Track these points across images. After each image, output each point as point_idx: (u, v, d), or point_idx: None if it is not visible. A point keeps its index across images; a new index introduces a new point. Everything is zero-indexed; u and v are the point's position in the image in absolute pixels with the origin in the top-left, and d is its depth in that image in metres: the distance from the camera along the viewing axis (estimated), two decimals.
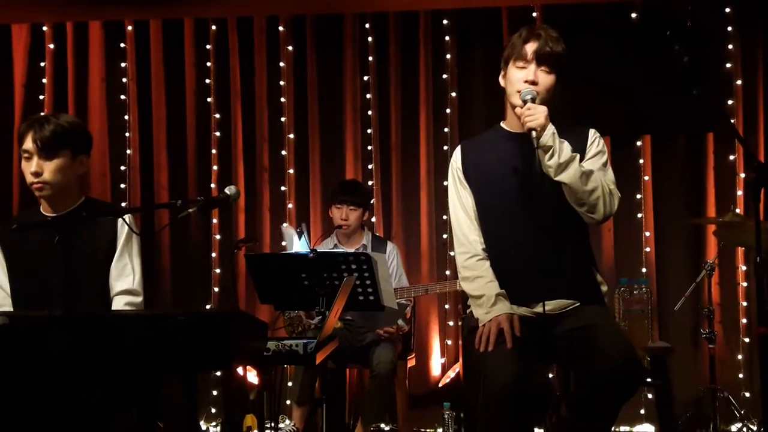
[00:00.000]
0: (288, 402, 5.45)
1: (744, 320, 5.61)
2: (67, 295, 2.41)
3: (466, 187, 3.26)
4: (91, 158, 3.35)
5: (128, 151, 6.09)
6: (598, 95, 5.60)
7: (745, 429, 5.03)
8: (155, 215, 5.95)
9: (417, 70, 5.99)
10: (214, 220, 6.01)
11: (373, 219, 5.88)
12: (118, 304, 3.17)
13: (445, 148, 5.91)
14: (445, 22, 5.96)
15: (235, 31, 6.07)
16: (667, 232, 5.81)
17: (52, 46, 6.15)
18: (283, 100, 6.04)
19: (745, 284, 5.62)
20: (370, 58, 6.01)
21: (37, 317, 2.67)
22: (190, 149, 6.07)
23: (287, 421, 5.49)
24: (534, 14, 5.84)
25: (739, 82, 5.72)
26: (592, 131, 3.21)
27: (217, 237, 6.01)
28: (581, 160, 3.08)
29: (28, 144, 3.12)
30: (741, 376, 5.57)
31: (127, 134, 6.09)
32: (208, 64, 6.09)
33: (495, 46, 3.24)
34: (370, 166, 5.98)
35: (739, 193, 5.66)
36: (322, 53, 6.07)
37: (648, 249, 5.76)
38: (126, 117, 6.11)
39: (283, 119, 6.04)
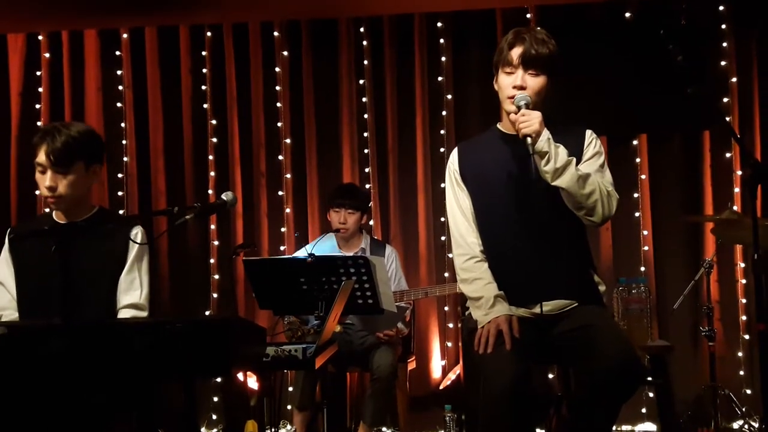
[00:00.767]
0: (289, 407, 5.45)
1: (743, 317, 5.62)
2: (66, 303, 2.41)
3: (464, 189, 3.26)
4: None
5: (125, 159, 6.09)
6: (594, 95, 5.61)
7: (746, 426, 5.03)
8: (153, 222, 5.95)
9: (412, 73, 5.99)
10: (212, 226, 6.01)
11: (372, 222, 5.89)
12: (123, 316, 3.17)
13: (442, 150, 5.91)
14: (439, 24, 5.97)
15: (231, 37, 6.08)
16: (665, 231, 5.81)
17: (47, 54, 6.15)
18: (279, 105, 6.05)
19: (743, 281, 5.63)
20: (366, 62, 6.02)
21: (35, 326, 2.68)
22: (187, 155, 6.07)
23: (288, 427, 5.50)
24: (528, 15, 5.85)
25: (734, 79, 5.74)
26: (588, 132, 3.21)
27: (215, 243, 6.01)
28: (578, 161, 3.08)
29: (41, 157, 3.11)
30: (741, 373, 5.57)
31: (123, 142, 6.10)
32: (204, 70, 6.10)
33: (490, 48, 3.24)
34: (367, 170, 5.98)
35: (736, 190, 5.67)
36: (318, 58, 6.07)
37: (646, 248, 5.77)
38: (122, 124, 6.11)
39: (279, 124, 6.04)
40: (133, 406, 2.73)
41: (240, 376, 5.33)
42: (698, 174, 5.77)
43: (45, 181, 3.12)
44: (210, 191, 6.03)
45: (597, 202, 3.00)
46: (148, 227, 5.85)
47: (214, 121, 6.09)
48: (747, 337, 5.59)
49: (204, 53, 6.10)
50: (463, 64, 5.97)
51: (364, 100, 6.01)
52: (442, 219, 5.84)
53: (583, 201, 2.99)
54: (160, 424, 2.93)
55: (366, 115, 6.00)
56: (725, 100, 5.71)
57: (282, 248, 5.98)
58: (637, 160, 5.81)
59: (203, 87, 6.10)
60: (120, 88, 6.13)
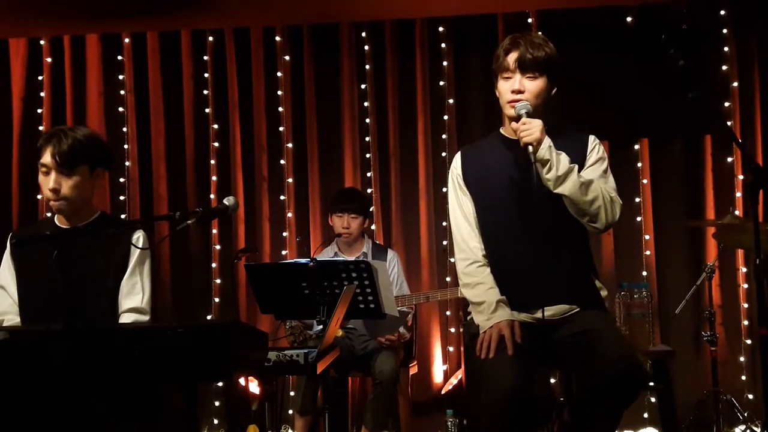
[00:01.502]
0: (290, 412, 5.44)
1: (745, 322, 5.61)
2: (67, 308, 2.41)
3: (466, 193, 3.27)
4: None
5: (127, 163, 6.09)
6: (595, 99, 5.62)
7: (748, 431, 5.01)
8: (155, 227, 5.95)
9: (414, 78, 6.00)
10: (214, 231, 6.01)
11: (373, 227, 5.88)
12: (125, 321, 3.17)
13: (444, 154, 5.92)
14: (441, 29, 5.98)
15: (232, 42, 6.09)
16: (666, 235, 5.81)
17: (49, 59, 6.16)
18: (281, 109, 6.05)
19: (745, 286, 5.63)
20: (367, 67, 6.02)
21: (36, 332, 2.68)
22: (188, 160, 6.08)
23: (290, 431, 5.49)
24: (530, 20, 5.86)
25: (735, 84, 5.74)
26: (591, 138, 3.22)
27: (217, 247, 6.01)
28: (581, 167, 3.09)
29: (47, 158, 3.11)
30: (743, 378, 5.56)
31: (125, 146, 6.10)
32: (206, 75, 6.10)
33: (491, 53, 3.24)
34: (368, 174, 5.98)
35: (738, 195, 5.67)
36: (319, 62, 6.08)
37: (648, 252, 5.77)
38: (124, 129, 6.11)
39: (281, 129, 6.04)
40: (135, 411, 2.72)
41: (242, 380, 5.32)
42: (700, 178, 5.76)
43: (49, 182, 3.13)
44: (212, 196, 6.03)
45: (600, 208, 3.00)
46: (150, 232, 5.87)
47: (215, 126, 6.09)
48: (749, 341, 5.58)
49: (206, 58, 6.10)
50: (465, 69, 5.97)
51: (365, 104, 6.02)
52: (444, 223, 5.84)
53: (586, 208, 2.99)
54: (161, 429, 2.92)
55: (368, 120, 6.00)
56: (726, 104, 5.71)
57: (284, 253, 5.97)
58: (639, 164, 5.81)
59: (205, 91, 6.10)
60: (122, 92, 6.14)
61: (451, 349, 5.82)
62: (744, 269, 5.63)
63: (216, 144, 6.08)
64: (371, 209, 5.70)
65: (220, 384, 5.74)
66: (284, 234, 6.00)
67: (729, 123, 5.63)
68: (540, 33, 3.20)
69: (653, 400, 5.50)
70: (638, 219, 5.78)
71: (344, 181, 5.94)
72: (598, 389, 2.92)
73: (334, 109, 6.05)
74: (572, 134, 3.21)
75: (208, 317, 5.94)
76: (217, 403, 5.86)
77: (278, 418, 5.43)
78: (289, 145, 6.04)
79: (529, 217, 3.10)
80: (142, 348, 2.39)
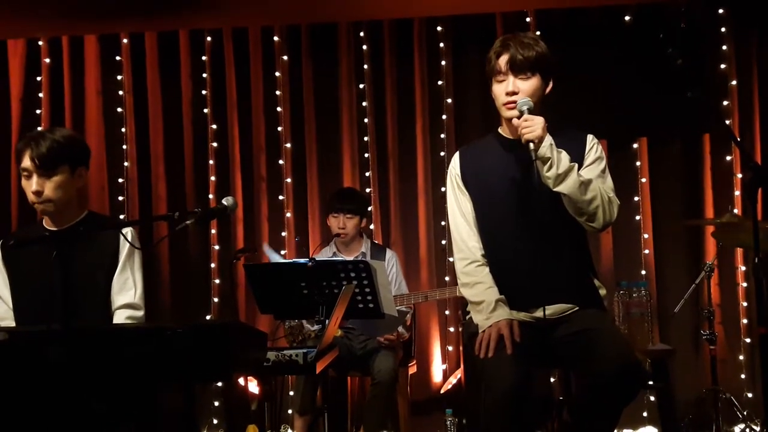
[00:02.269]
0: (290, 411, 5.45)
1: (744, 321, 5.61)
2: (65, 309, 2.41)
3: (465, 193, 3.27)
4: (89, 171, 3.35)
5: (126, 164, 6.09)
6: (594, 98, 5.62)
7: (747, 430, 5.01)
8: (153, 227, 5.95)
9: (412, 77, 6.00)
10: (213, 231, 6.01)
11: (372, 226, 5.89)
12: (119, 318, 3.18)
13: (442, 154, 5.91)
14: (439, 28, 5.98)
15: (231, 42, 6.09)
16: (665, 234, 5.81)
17: (48, 60, 6.15)
18: (279, 109, 6.05)
19: (744, 284, 5.63)
20: (365, 66, 6.02)
21: (35, 332, 2.67)
22: (187, 160, 6.07)
23: (289, 431, 5.49)
24: (528, 19, 5.86)
25: (734, 82, 5.74)
26: (590, 137, 3.22)
27: (216, 247, 6.01)
28: (579, 166, 3.09)
29: (26, 162, 3.12)
30: (743, 376, 5.57)
31: (124, 147, 6.10)
32: (204, 75, 6.10)
33: (488, 52, 3.25)
34: (367, 174, 5.98)
35: (737, 193, 5.67)
36: (318, 62, 6.08)
37: (647, 251, 5.77)
38: (123, 129, 6.11)
39: (279, 129, 6.04)
40: (134, 412, 2.72)
41: (241, 380, 5.32)
42: (699, 177, 5.76)
43: (31, 186, 3.13)
44: (210, 196, 6.03)
45: (598, 208, 3.00)
46: (149, 232, 5.90)
47: (214, 126, 6.09)
48: (748, 340, 5.59)
49: (204, 58, 6.10)
50: (463, 68, 5.97)
51: (364, 104, 6.02)
52: (443, 223, 5.84)
53: (584, 207, 3.00)
54: (160, 430, 2.92)
55: (366, 120, 6.00)
56: (725, 103, 5.71)
57: (282, 252, 5.97)
58: (638, 163, 5.81)
59: (203, 92, 6.10)
60: (120, 93, 6.13)
61: (450, 348, 5.82)
62: (743, 268, 5.63)
63: (215, 144, 6.08)
64: (369, 209, 5.70)
65: (220, 384, 5.74)
66: (283, 234, 6.00)
67: (728, 122, 5.63)
68: (530, 33, 3.19)
69: (652, 398, 5.50)
70: (637, 218, 5.78)
71: (343, 181, 5.94)
72: (597, 388, 2.93)
73: (333, 109, 6.05)
74: (570, 133, 3.21)
75: (207, 317, 5.93)
76: (216, 403, 5.86)
77: (277, 417, 5.43)
78: (288, 145, 6.04)
79: (528, 216, 3.11)
80: (140, 348, 2.39)
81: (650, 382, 4.87)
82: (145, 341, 2.41)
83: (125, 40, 6.12)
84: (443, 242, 5.88)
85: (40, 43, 6.16)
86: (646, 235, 5.78)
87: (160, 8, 5.68)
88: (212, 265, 5.99)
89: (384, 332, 4.79)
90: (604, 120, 5.61)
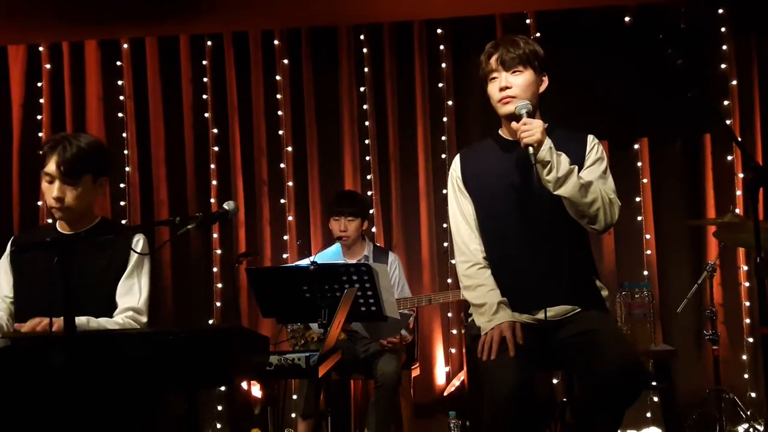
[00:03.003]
0: (293, 415, 5.44)
1: (747, 320, 5.61)
2: (67, 314, 2.41)
3: (466, 196, 3.27)
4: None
5: (127, 169, 6.10)
6: (594, 99, 5.62)
7: (751, 430, 5.01)
8: (155, 232, 5.95)
9: (413, 80, 6.00)
10: (215, 235, 6.01)
11: (374, 229, 5.89)
12: (118, 318, 3.17)
13: (443, 156, 5.92)
14: (439, 31, 5.98)
15: (231, 46, 6.09)
16: (667, 235, 5.81)
17: (48, 66, 6.16)
18: (280, 113, 6.05)
19: (747, 284, 5.62)
20: (366, 70, 6.02)
21: (37, 337, 2.68)
22: (188, 165, 6.08)
23: None
24: (528, 21, 5.86)
25: (734, 82, 5.74)
26: (590, 138, 3.22)
27: (218, 251, 6.01)
28: (580, 167, 3.09)
29: (51, 167, 3.12)
30: (746, 376, 5.56)
31: (125, 151, 6.10)
32: (205, 79, 6.11)
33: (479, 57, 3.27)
34: (368, 177, 5.98)
35: (738, 193, 5.67)
36: (318, 66, 6.08)
37: (649, 252, 5.77)
38: (124, 134, 6.12)
39: (280, 132, 6.05)
40: (137, 416, 2.72)
41: (244, 384, 5.32)
42: (700, 177, 5.76)
43: (52, 191, 3.14)
44: (212, 200, 6.03)
45: (599, 210, 3.00)
46: (150, 236, 5.88)
47: (215, 130, 6.09)
48: (751, 340, 5.58)
49: (204, 62, 6.11)
50: (464, 71, 5.97)
51: (364, 107, 6.02)
52: (444, 225, 5.84)
53: (585, 209, 3.00)
54: None
55: (367, 123, 6.00)
56: (725, 103, 5.71)
57: (284, 256, 5.98)
58: (639, 164, 5.81)
59: (204, 96, 6.11)
60: (121, 98, 6.14)
61: (453, 350, 5.82)
62: (745, 267, 5.63)
63: (216, 148, 6.08)
64: (370, 211, 5.70)
65: (223, 388, 5.74)
66: (285, 237, 6.00)
67: (728, 122, 5.63)
68: (519, 35, 3.21)
69: (656, 399, 5.50)
70: (639, 218, 5.78)
71: (344, 184, 5.94)
72: (600, 389, 2.92)
73: (334, 112, 6.05)
74: (571, 134, 3.22)
75: (210, 322, 5.94)
76: (219, 408, 5.86)
77: (281, 421, 5.42)
78: (289, 148, 6.04)
79: (529, 217, 3.11)
80: (143, 353, 2.39)
81: (653, 383, 4.87)
82: (148, 346, 2.41)
83: (126, 45, 6.13)
84: (445, 245, 5.88)
85: (41, 48, 6.17)
86: (648, 236, 5.78)
87: (161, 13, 5.68)
88: (214, 270, 6.00)
89: (387, 335, 4.79)
90: (604, 121, 5.61)
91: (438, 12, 5.90)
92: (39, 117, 6.15)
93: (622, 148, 5.81)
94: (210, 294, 5.98)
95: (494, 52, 3.17)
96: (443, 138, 5.95)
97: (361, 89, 6.03)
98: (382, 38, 6.03)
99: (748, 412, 5.06)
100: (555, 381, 5.43)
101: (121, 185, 6.08)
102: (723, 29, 5.76)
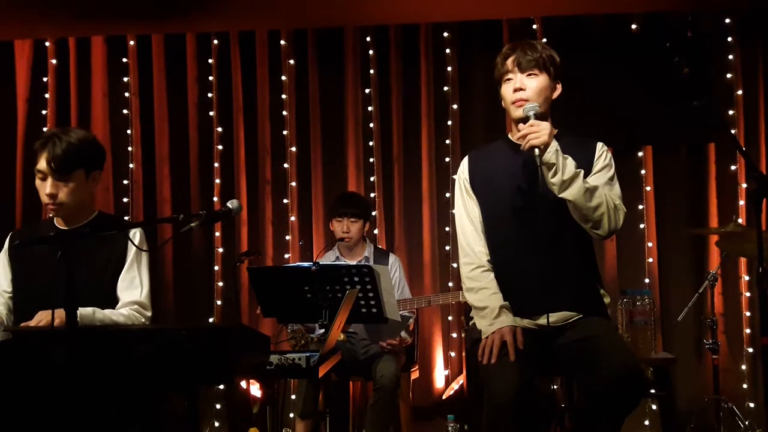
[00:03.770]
0: (291, 415, 5.44)
1: (747, 330, 5.60)
2: (69, 309, 2.41)
3: (473, 198, 3.27)
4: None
5: (131, 165, 6.10)
6: (599, 106, 5.62)
7: None
8: (158, 229, 5.95)
9: (418, 83, 6.00)
10: (217, 234, 6.01)
11: (376, 231, 5.89)
12: (123, 312, 3.17)
13: (447, 159, 5.92)
14: (445, 34, 5.98)
15: (237, 46, 6.10)
16: (669, 243, 5.81)
17: (54, 61, 6.17)
18: (285, 113, 6.06)
19: (748, 294, 5.62)
20: (372, 71, 6.03)
21: (39, 332, 2.68)
22: (192, 163, 6.08)
23: None
24: (534, 26, 5.86)
25: (739, 92, 5.73)
26: (599, 144, 3.22)
27: (220, 250, 6.02)
28: (588, 173, 3.09)
29: (42, 164, 3.12)
30: (745, 386, 5.56)
31: (129, 148, 6.11)
32: (210, 78, 6.11)
33: (495, 59, 3.27)
34: (372, 179, 5.98)
35: (741, 203, 5.67)
36: (324, 66, 6.08)
37: (651, 259, 5.76)
38: (128, 131, 6.12)
39: (285, 132, 6.05)
40: (137, 413, 2.73)
41: (243, 383, 5.32)
42: (703, 186, 5.76)
43: (45, 188, 3.14)
44: (215, 198, 6.04)
45: (603, 215, 3.00)
46: (153, 234, 5.90)
47: (219, 129, 6.10)
48: (751, 350, 5.58)
49: (210, 61, 6.11)
50: (469, 75, 5.98)
51: (369, 109, 6.02)
52: (447, 228, 5.85)
53: (589, 214, 3.00)
54: (163, 431, 2.92)
55: (371, 124, 6.01)
56: (731, 112, 5.71)
57: (286, 256, 5.98)
58: (642, 171, 5.81)
59: (209, 95, 6.11)
60: (126, 95, 6.15)
61: (452, 354, 5.82)
62: (746, 277, 5.62)
63: (220, 147, 6.09)
64: (372, 212, 5.70)
65: (222, 387, 5.74)
66: (287, 237, 6.00)
67: (733, 131, 5.63)
68: (544, 39, 3.22)
69: (654, 407, 5.49)
70: (641, 226, 5.78)
71: (347, 185, 5.94)
72: (600, 395, 2.92)
73: (338, 113, 6.06)
74: (580, 140, 3.22)
75: (210, 320, 5.94)
76: (218, 406, 5.86)
77: (279, 421, 5.43)
78: (293, 148, 6.05)
79: (535, 223, 3.10)
80: (143, 350, 2.39)
81: (652, 391, 4.87)
82: (148, 343, 2.41)
83: (132, 42, 6.14)
84: (447, 247, 5.88)
85: (47, 44, 6.17)
86: (650, 244, 5.78)
87: (168, 11, 5.69)
88: (216, 268, 6.00)
89: (387, 337, 4.79)
90: (609, 128, 5.60)
91: (445, 15, 5.91)
92: (44, 112, 6.15)
93: (626, 155, 5.80)
94: (211, 292, 5.98)
95: (511, 53, 3.16)
96: (447, 141, 5.95)
97: (367, 91, 6.04)
98: (388, 40, 6.04)
99: (747, 422, 5.05)
100: (554, 387, 5.43)
101: (125, 182, 6.09)
102: (729, 39, 5.76)
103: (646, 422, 5.56)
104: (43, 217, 5.90)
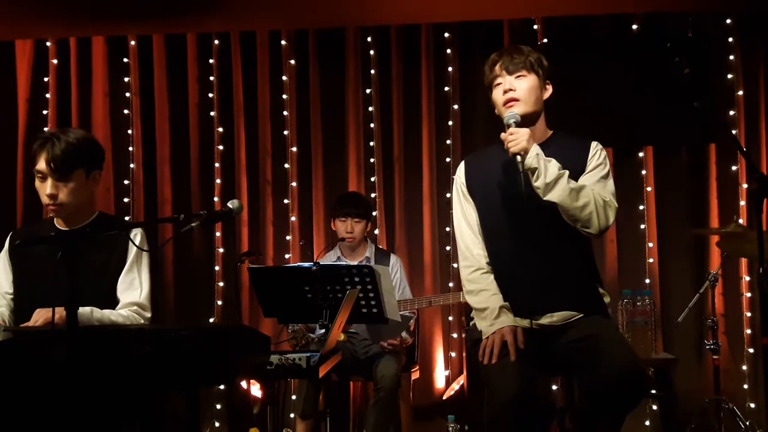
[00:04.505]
0: (292, 415, 5.44)
1: (748, 331, 5.60)
2: (70, 310, 2.41)
3: (470, 202, 3.29)
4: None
5: (131, 166, 6.10)
6: (600, 107, 5.61)
7: None
8: (159, 229, 5.96)
9: (419, 83, 6.00)
10: (217, 234, 6.01)
11: (376, 231, 5.89)
12: (123, 312, 3.17)
13: (448, 160, 5.92)
14: (446, 35, 5.98)
15: (238, 46, 6.10)
16: (670, 243, 5.81)
17: (55, 61, 6.17)
18: (285, 113, 6.06)
19: (748, 295, 5.62)
20: (372, 72, 6.03)
21: (40, 332, 2.68)
22: (193, 163, 6.08)
23: None
24: (535, 27, 5.86)
25: (740, 92, 5.73)
26: (593, 144, 3.24)
27: (220, 250, 6.02)
28: (582, 172, 3.11)
29: (41, 165, 3.12)
30: (745, 386, 5.56)
31: (130, 148, 6.11)
32: (211, 78, 6.11)
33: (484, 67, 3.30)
34: (372, 179, 5.99)
35: (742, 203, 5.67)
36: (325, 67, 6.08)
37: (651, 260, 5.76)
38: (129, 131, 6.12)
39: (285, 132, 6.05)
40: (137, 414, 2.73)
41: (243, 383, 5.32)
42: (704, 187, 5.76)
43: (45, 189, 3.13)
44: (216, 199, 6.04)
45: (592, 213, 3.01)
46: (154, 234, 5.90)
47: (220, 129, 6.10)
48: (751, 350, 5.57)
49: (211, 61, 6.11)
50: (470, 75, 5.97)
51: (370, 109, 6.02)
52: (447, 228, 5.84)
53: (577, 214, 3.01)
54: None
55: (372, 125, 6.01)
56: (732, 113, 5.71)
57: (287, 256, 5.98)
58: (643, 172, 5.81)
59: (210, 95, 6.11)
60: (127, 95, 6.15)
61: (453, 354, 5.82)
62: (747, 278, 5.62)
63: (221, 147, 6.09)
64: (374, 213, 5.71)
65: (222, 387, 5.74)
66: (288, 237, 6.00)
67: (734, 131, 5.63)
68: (545, 40, 3.23)
69: (655, 407, 5.49)
70: (642, 226, 5.78)
71: (348, 185, 5.94)
72: (601, 394, 2.93)
73: (339, 114, 6.06)
74: (575, 140, 3.25)
75: (211, 320, 5.94)
76: (218, 406, 5.86)
77: (280, 421, 5.42)
78: (294, 149, 6.05)
79: (532, 224, 3.11)
80: (144, 351, 2.39)
81: (653, 391, 4.87)
82: (148, 344, 2.41)
83: (133, 42, 6.14)
84: (447, 248, 5.88)
85: (48, 44, 6.18)
86: (650, 244, 5.77)
87: (168, 11, 5.69)
88: (216, 268, 6.00)
89: (387, 337, 4.79)
90: (609, 128, 5.60)
91: (446, 16, 5.91)
92: (45, 112, 6.15)
93: (627, 155, 5.81)
94: (211, 292, 5.98)
95: (498, 59, 3.23)
96: (448, 141, 5.95)
97: (367, 91, 6.04)
98: (389, 41, 6.04)
99: (747, 422, 5.05)
100: (555, 387, 5.43)
101: (126, 182, 6.09)
102: (730, 39, 5.76)
103: (647, 423, 5.56)
104: (45, 218, 5.92)
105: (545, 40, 5.77)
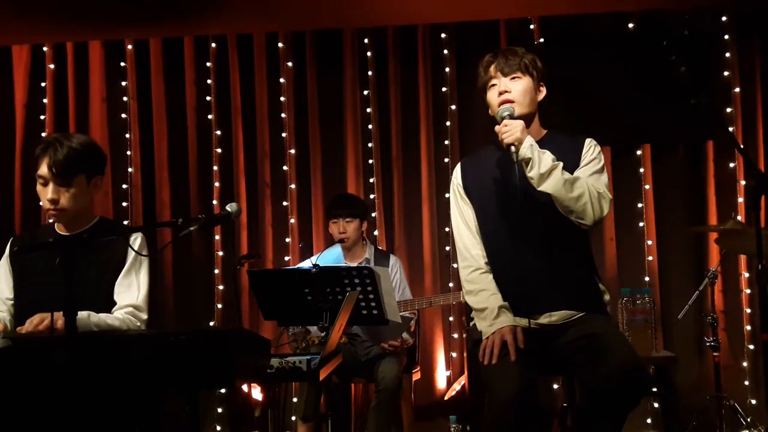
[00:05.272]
0: (293, 418, 5.44)
1: (748, 327, 5.61)
2: (69, 315, 2.41)
3: (467, 203, 3.30)
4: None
5: (130, 170, 6.10)
6: (597, 105, 5.62)
7: None
8: (157, 233, 5.96)
9: (416, 84, 6.01)
10: (216, 237, 6.01)
11: (376, 232, 5.89)
12: (117, 315, 3.17)
13: (446, 160, 5.92)
14: (443, 35, 5.98)
15: (235, 49, 6.10)
16: (669, 241, 5.81)
17: (52, 66, 6.17)
18: (283, 115, 6.06)
19: (748, 291, 5.62)
20: (370, 73, 6.03)
21: (39, 338, 2.68)
22: (191, 166, 6.08)
23: None
24: (531, 26, 5.86)
25: (737, 89, 5.74)
26: (588, 140, 3.25)
27: (220, 253, 6.02)
28: (576, 168, 3.12)
29: (43, 170, 3.12)
30: (746, 383, 5.56)
31: (128, 153, 6.11)
32: (209, 81, 6.11)
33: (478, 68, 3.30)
34: (371, 180, 5.99)
35: (740, 200, 5.67)
36: (322, 68, 6.09)
37: (650, 258, 5.77)
38: (127, 135, 6.12)
39: (284, 135, 6.05)
40: (137, 418, 2.73)
41: (244, 387, 5.32)
42: (702, 184, 5.77)
43: (47, 194, 3.13)
44: (214, 202, 6.04)
45: (586, 204, 3.02)
46: (153, 238, 5.90)
47: (218, 132, 6.10)
48: (751, 347, 5.58)
49: (209, 64, 6.11)
50: (467, 75, 5.97)
51: (368, 110, 6.02)
52: (447, 228, 5.84)
53: (571, 204, 3.02)
54: None
55: (370, 126, 6.01)
56: (728, 110, 5.72)
57: (287, 259, 5.98)
58: (641, 170, 5.81)
59: (208, 98, 6.11)
60: (125, 99, 6.15)
61: (454, 354, 5.82)
62: (746, 274, 5.63)
63: (219, 150, 6.09)
64: (371, 212, 5.71)
65: (223, 390, 5.74)
66: (287, 240, 6.00)
67: (731, 128, 5.63)
68: (542, 39, 3.24)
69: (656, 405, 5.49)
70: (641, 224, 5.78)
71: (347, 186, 5.94)
72: (602, 392, 2.93)
73: (337, 116, 6.06)
74: (569, 138, 3.26)
75: (211, 324, 5.94)
76: (219, 410, 5.86)
77: (281, 424, 5.43)
78: (292, 151, 6.05)
79: (530, 223, 3.11)
80: (144, 354, 2.39)
81: (654, 389, 4.87)
82: (149, 347, 2.41)
83: (130, 46, 6.14)
84: (447, 248, 5.88)
85: (45, 49, 6.18)
86: (649, 242, 5.78)
87: (165, 15, 5.69)
88: (216, 272, 6.00)
89: (388, 338, 4.80)
90: (607, 126, 5.61)
91: (442, 16, 5.91)
92: (42, 117, 6.15)
93: (625, 153, 5.82)
94: (211, 296, 5.98)
95: (493, 60, 3.22)
96: (446, 142, 5.96)
97: (365, 92, 6.04)
98: (386, 42, 6.04)
99: (749, 419, 5.06)
100: (555, 386, 5.43)
101: (124, 186, 6.09)
102: (726, 36, 5.76)
103: (648, 420, 5.56)
104: (43, 223, 5.92)
105: (542, 40, 5.77)
